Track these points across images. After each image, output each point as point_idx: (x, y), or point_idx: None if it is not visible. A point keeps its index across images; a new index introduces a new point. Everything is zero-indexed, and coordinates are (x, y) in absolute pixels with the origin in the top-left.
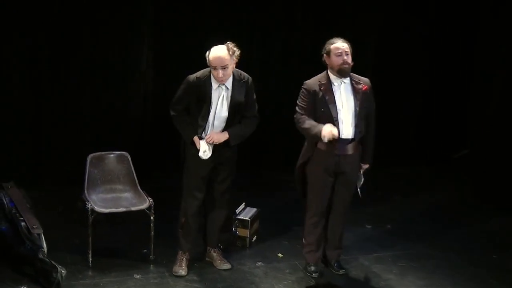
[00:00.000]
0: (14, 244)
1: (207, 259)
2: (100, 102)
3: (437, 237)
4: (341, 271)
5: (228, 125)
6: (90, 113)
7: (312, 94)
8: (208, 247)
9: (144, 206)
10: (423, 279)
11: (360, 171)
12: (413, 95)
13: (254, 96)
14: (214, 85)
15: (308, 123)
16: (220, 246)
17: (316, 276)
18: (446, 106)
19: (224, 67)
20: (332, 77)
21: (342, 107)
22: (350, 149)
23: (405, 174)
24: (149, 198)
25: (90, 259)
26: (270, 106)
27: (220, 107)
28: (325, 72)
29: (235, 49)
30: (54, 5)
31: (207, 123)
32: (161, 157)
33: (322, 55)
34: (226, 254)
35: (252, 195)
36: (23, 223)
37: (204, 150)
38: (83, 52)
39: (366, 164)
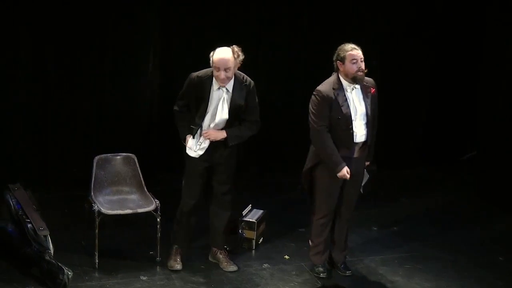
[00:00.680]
0: (21, 246)
1: (212, 260)
2: (106, 104)
3: (444, 239)
4: (348, 273)
5: (228, 126)
6: (97, 115)
7: (328, 101)
8: (213, 248)
9: (151, 208)
10: (429, 281)
11: (366, 171)
12: (420, 97)
13: (256, 101)
14: (215, 86)
15: (331, 148)
16: (226, 248)
17: (324, 276)
18: (454, 107)
19: (227, 69)
20: (344, 82)
21: (356, 112)
22: (360, 152)
23: (412, 175)
24: (156, 200)
25: (97, 261)
26: (276, 109)
27: (220, 109)
28: (335, 77)
29: (240, 53)
30: (62, 9)
31: (203, 123)
32: (168, 159)
33: (335, 60)
34: (233, 255)
35: (259, 197)
36: (29, 225)
37: (190, 147)
38: (90, 55)
39: (368, 161)
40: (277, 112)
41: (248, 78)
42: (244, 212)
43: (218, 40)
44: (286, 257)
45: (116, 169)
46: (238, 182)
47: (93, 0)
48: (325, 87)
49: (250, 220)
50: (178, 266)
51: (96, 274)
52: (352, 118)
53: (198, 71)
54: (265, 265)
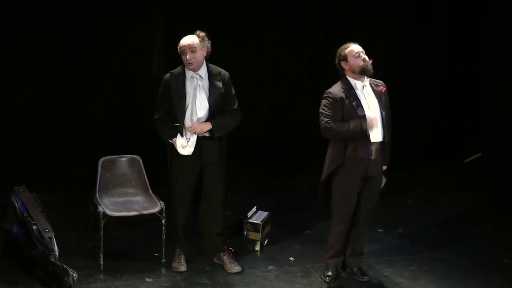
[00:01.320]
0: (26, 248)
1: (216, 261)
2: (111, 106)
3: (449, 241)
4: (365, 278)
5: (211, 116)
6: (102, 117)
7: (339, 101)
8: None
9: (156, 209)
10: (435, 283)
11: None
12: (425, 99)
13: (233, 91)
14: (188, 75)
15: (343, 124)
16: (231, 249)
17: (331, 280)
18: (458, 109)
19: (192, 50)
20: (353, 81)
21: (371, 111)
22: (379, 153)
23: (417, 178)
24: (161, 201)
25: (102, 263)
26: (282, 110)
27: (199, 97)
28: (343, 79)
29: (205, 37)
30: (65, 10)
31: (186, 116)
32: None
33: (338, 63)
34: (238, 257)
35: (264, 198)
36: (34, 227)
37: (182, 145)
38: (94, 56)
39: (385, 165)
40: (282, 113)
41: (222, 69)
42: (249, 214)
43: (223, 40)
44: (291, 259)
45: (121, 171)
46: (242, 183)
47: (98, 2)
48: (334, 88)
49: (255, 222)
50: (183, 268)
51: (101, 276)
52: (367, 116)
53: None
54: (270, 267)
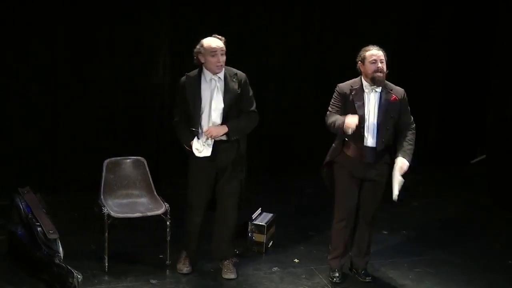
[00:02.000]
0: (31, 249)
1: (220, 265)
2: (116, 108)
3: (454, 242)
4: (368, 279)
5: (227, 119)
6: (106, 118)
7: (342, 96)
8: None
9: (160, 211)
10: (439, 285)
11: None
12: (430, 100)
13: (251, 93)
14: (207, 77)
15: (333, 117)
16: (236, 251)
17: (338, 281)
18: (464, 111)
19: (223, 53)
20: (365, 83)
21: (369, 115)
22: (376, 158)
23: (422, 179)
24: (165, 203)
25: (106, 264)
26: (288, 111)
27: (215, 99)
28: (359, 77)
29: (223, 38)
30: (71, 13)
31: (202, 119)
32: (178, 162)
33: (357, 61)
34: (242, 259)
35: (269, 200)
36: (39, 228)
37: (197, 148)
38: (99, 59)
39: (406, 163)
40: (288, 115)
41: (239, 71)
42: (253, 216)
43: (228, 42)
44: (296, 260)
45: (125, 172)
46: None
47: (103, 4)
48: (344, 83)
49: (260, 223)
50: (186, 270)
51: (106, 278)
52: (365, 120)
53: None
54: (275, 269)
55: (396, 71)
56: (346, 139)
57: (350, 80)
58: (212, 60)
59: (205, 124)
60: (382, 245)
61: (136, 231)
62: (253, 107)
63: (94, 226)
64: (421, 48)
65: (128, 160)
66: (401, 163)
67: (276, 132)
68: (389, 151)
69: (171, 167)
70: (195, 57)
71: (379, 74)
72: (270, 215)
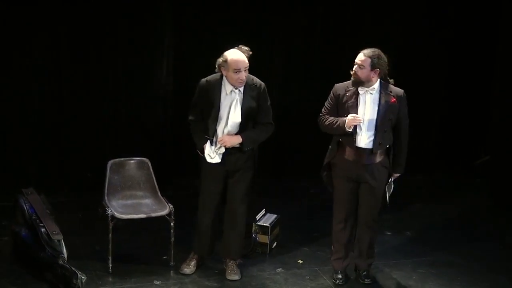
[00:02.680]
0: (35, 250)
1: (224, 266)
2: (120, 109)
3: (457, 244)
4: (367, 281)
5: (242, 130)
6: (110, 119)
7: (336, 97)
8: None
9: (164, 212)
10: (442, 286)
11: (391, 179)
12: (434, 102)
13: (269, 103)
14: (228, 89)
15: (330, 119)
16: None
17: (341, 283)
18: (467, 112)
19: (246, 69)
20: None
21: (365, 117)
22: (371, 159)
23: (426, 180)
24: (169, 204)
25: (110, 265)
26: (291, 113)
27: (233, 112)
28: None
29: (248, 50)
30: (75, 14)
31: (218, 127)
32: (182, 163)
33: None
34: (246, 260)
35: (273, 201)
36: (43, 229)
37: (209, 154)
38: (103, 60)
39: (396, 173)
40: (292, 117)
41: (258, 80)
42: (257, 217)
43: (232, 45)
44: (300, 261)
45: (129, 173)
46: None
47: (106, 5)
48: (341, 84)
49: (264, 224)
50: (188, 271)
51: (110, 279)
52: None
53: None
54: (279, 270)
55: (398, 72)
56: (340, 139)
57: (347, 82)
58: (235, 76)
59: (220, 133)
60: (385, 246)
61: (140, 232)
62: (270, 119)
63: (98, 227)
64: (423, 49)
65: (132, 161)
66: (394, 176)
67: (280, 133)
68: (387, 153)
69: (175, 168)
70: (216, 67)
71: (353, 76)
72: (274, 216)
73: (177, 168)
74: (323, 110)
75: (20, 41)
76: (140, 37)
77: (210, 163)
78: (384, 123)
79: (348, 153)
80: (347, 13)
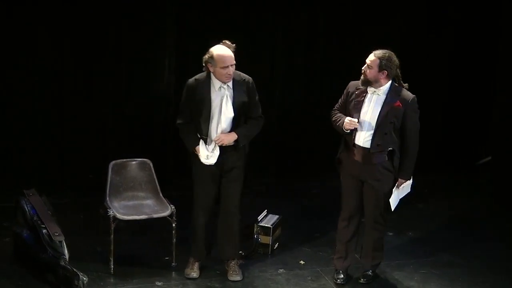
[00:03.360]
0: (36, 252)
1: (225, 267)
2: (122, 110)
3: (459, 244)
4: (362, 280)
5: (235, 125)
6: (112, 120)
7: (347, 93)
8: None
9: (166, 213)
10: (445, 286)
11: (395, 185)
12: (435, 102)
13: (257, 97)
14: (216, 86)
15: (337, 115)
16: (242, 253)
17: (341, 282)
18: (468, 112)
19: (233, 65)
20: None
21: (366, 116)
22: (369, 159)
23: (427, 181)
24: (171, 205)
25: (112, 266)
26: (292, 113)
27: (225, 107)
28: None
29: (233, 45)
30: (78, 15)
31: (211, 126)
32: (183, 164)
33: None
34: (248, 261)
35: (274, 202)
36: (44, 230)
37: (206, 156)
38: (105, 61)
39: (402, 179)
40: (293, 117)
41: (246, 75)
42: (259, 217)
43: (235, 43)
44: (302, 262)
45: (131, 174)
46: (253, 187)
47: (109, 6)
48: (355, 81)
49: (266, 225)
50: (195, 274)
51: (111, 280)
52: (360, 118)
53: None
54: (281, 270)
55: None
56: (345, 136)
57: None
58: (222, 71)
59: (213, 131)
60: (387, 246)
61: (141, 233)
62: (260, 113)
63: (100, 228)
64: (424, 49)
65: (134, 162)
66: (399, 182)
67: (281, 134)
68: (390, 157)
69: (177, 169)
70: (204, 65)
71: (362, 75)
72: (276, 217)
73: (179, 169)
74: (336, 105)
75: (22, 41)
76: (141, 37)
77: (203, 164)
78: (384, 125)
79: (350, 151)
80: (348, 13)
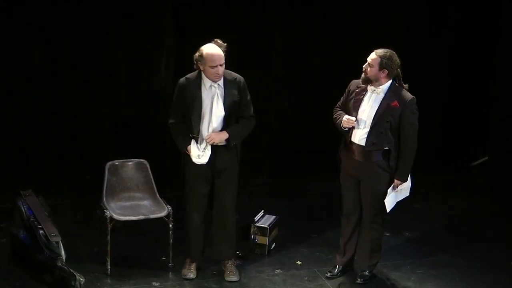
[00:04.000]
0: (33, 252)
1: (222, 267)
2: (119, 111)
3: (457, 244)
4: (359, 280)
5: (227, 125)
6: (109, 121)
7: (348, 91)
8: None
9: (163, 213)
10: (442, 287)
11: (392, 186)
12: (434, 102)
13: (249, 97)
14: (207, 84)
15: (337, 113)
16: (239, 254)
17: (329, 276)
18: (467, 112)
19: (222, 64)
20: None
21: (363, 115)
22: (365, 157)
23: (425, 180)
24: (168, 205)
25: (109, 267)
26: (290, 113)
27: (215, 106)
28: None
29: (224, 44)
30: (76, 16)
31: (202, 125)
32: (180, 165)
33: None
34: (245, 261)
35: (271, 202)
36: (41, 231)
37: (198, 155)
38: (103, 62)
39: (398, 180)
40: (291, 117)
41: (237, 75)
42: (256, 218)
43: (232, 45)
44: (299, 262)
45: (128, 175)
46: (250, 187)
47: (106, 7)
48: (356, 80)
49: (263, 225)
50: (192, 275)
51: (108, 280)
52: (357, 117)
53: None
54: (278, 271)
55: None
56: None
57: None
58: (212, 71)
59: (204, 130)
60: (384, 246)
61: (138, 233)
62: (251, 112)
63: (97, 228)
64: (423, 49)
65: (131, 163)
66: (395, 183)
67: (279, 133)
68: (387, 156)
69: (173, 170)
70: (195, 63)
71: (362, 74)
72: (273, 217)
73: (176, 170)
74: (338, 103)
75: (20, 41)
76: (140, 37)
77: (195, 164)
78: (380, 123)
79: (348, 149)
80: (347, 13)
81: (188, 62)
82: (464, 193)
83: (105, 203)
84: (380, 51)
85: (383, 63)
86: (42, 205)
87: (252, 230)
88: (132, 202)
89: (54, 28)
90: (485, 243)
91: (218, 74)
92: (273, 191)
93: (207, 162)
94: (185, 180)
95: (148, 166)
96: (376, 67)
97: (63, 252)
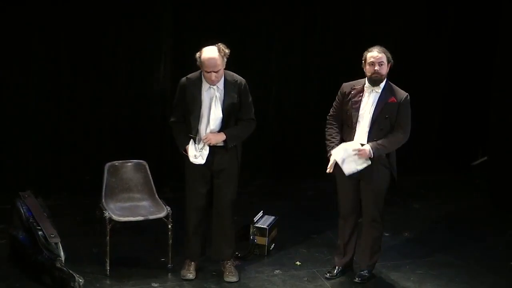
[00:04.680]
0: (32, 253)
1: (221, 268)
2: (118, 111)
3: (456, 244)
4: (357, 279)
5: (225, 126)
6: (108, 122)
7: (342, 95)
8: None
9: (162, 214)
10: (441, 287)
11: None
12: (433, 102)
13: (250, 99)
14: (206, 86)
15: (329, 133)
16: (238, 254)
17: (328, 277)
18: (467, 112)
19: (216, 70)
20: (367, 84)
21: (364, 114)
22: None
23: (424, 181)
24: (167, 206)
25: (108, 268)
26: (290, 114)
27: (214, 108)
28: (365, 78)
29: (226, 50)
30: (74, 16)
31: (200, 125)
32: (179, 166)
33: (362, 62)
34: (244, 262)
35: (270, 203)
36: (40, 232)
37: (194, 155)
38: (102, 62)
39: (367, 150)
40: (290, 117)
41: (239, 77)
42: (255, 218)
43: (231, 45)
44: (298, 263)
45: (127, 176)
46: (249, 188)
47: (106, 7)
48: (348, 83)
49: (262, 226)
50: (191, 276)
51: (108, 281)
52: (359, 117)
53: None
54: (277, 271)
55: (397, 72)
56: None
57: (356, 80)
58: (206, 75)
59: (203, 130)
60: (383, 247)
61: (137, 234)
62: (252, 115)
63: (96, 229)
64: (423, 49)
65: (130, 164)
66: (363, 147)
67: (278, 134)
68: (387, 154)
69: (172, 170)
70: (197, 61)
71: (375, 76)
72: (272, 217)
73: (175, 171)
74: (331, 110)
75: (19, 41)
76: (140, 37)
77: (194, 165)
78: (380, 120)
79: None
80: (347, 13)
81: (187, 62)
82: (464, 193)
83: (104, 204)
84: (379, 49)
85: (388, 56)
86: (41, 206)
87: (251, 230)
88: (131, 203)
89: (54, 28)
90: (485, 243)
91: (211, 79)
92: (273, 192)
93: (205, 163)
94: (185, 178)
95: (147, 166)
96: (386, 63)
97: (62, 253)
